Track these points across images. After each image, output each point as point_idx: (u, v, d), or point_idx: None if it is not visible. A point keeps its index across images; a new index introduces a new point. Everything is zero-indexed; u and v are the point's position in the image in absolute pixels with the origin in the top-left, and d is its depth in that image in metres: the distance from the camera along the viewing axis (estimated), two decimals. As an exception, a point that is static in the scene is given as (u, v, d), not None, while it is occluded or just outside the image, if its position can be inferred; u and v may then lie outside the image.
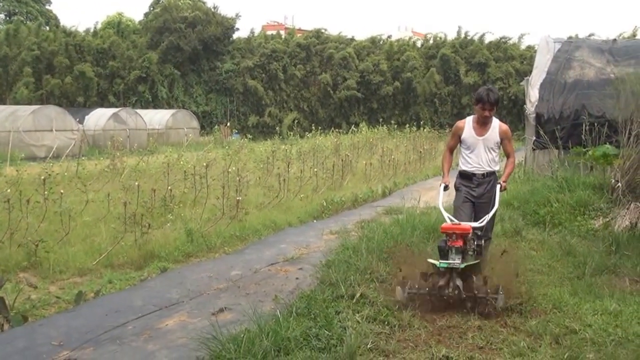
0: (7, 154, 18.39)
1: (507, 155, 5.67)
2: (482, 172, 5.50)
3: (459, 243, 4.77)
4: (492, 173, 5.54)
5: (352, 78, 36.04)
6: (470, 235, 4.91)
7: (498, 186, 5.44)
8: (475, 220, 5.37)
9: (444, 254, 4.84)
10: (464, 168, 5.61)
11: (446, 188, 5.67)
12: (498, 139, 5.49)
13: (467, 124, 5.56)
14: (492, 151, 5.51)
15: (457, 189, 5.68)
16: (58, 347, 4.24)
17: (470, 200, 5.53)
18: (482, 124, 5.48)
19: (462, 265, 4.67)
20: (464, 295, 4.67)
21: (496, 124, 5.50)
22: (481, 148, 5.48)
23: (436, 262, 4.76)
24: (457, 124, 5.72)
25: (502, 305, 4.64)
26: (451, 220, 5.16)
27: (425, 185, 14.55)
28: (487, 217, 5.25)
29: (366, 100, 36.61)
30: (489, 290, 4.66)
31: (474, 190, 5.51)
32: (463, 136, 5.55)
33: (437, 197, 5.80)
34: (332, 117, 36.44)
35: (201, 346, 3.97)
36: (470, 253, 4.93)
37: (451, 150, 5.86)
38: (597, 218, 8.13)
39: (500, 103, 5.95)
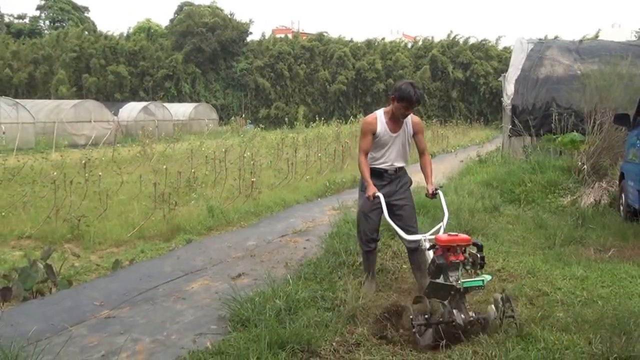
0: (52, 142, 18.46)
1: (421, 152, 4.49)
2: (394, 168, 4.38)
3: (461, 257, 3.50)
4: (402, 168, 4.47)
5: (348, 75, 35.99)
6: (468, 248, 3.60)
7: (441, 193, 4.24)
8: (404, 227, 4.11)
9: (440, 272, 3.49)
10: (374, 166, 4.38)
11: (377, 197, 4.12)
12: (412, 132, 4.39)
13: (379, 120, 4.31)
14: (406, 147, 4.42)
15: (364, 190, 4.35)
16: (99, 306, 4.24)
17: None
18: (396, 120, 4.30)
19: (483, 283, 3.44)
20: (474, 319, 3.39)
21: (408, 118, 4.35)
22: (396, 145, 4.34)
23: (455, 283, 3.36)
24: (367, 121, 4.37)
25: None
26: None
27: (415, 168, 14.43)
28: (442, 226, 3.88)
29: (362, 94, 36.54)
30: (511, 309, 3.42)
31: (384, 189, 4.26)
32: (377, 132, 4.28)
33: (383, 209, 4.10)
34: (332, 110, 36.32)
35: (223, 306, 3.96)
36: (468, 267, 3.55)
37: (367, 153, 4.34)
38: (565, 196, 8.11)
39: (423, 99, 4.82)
